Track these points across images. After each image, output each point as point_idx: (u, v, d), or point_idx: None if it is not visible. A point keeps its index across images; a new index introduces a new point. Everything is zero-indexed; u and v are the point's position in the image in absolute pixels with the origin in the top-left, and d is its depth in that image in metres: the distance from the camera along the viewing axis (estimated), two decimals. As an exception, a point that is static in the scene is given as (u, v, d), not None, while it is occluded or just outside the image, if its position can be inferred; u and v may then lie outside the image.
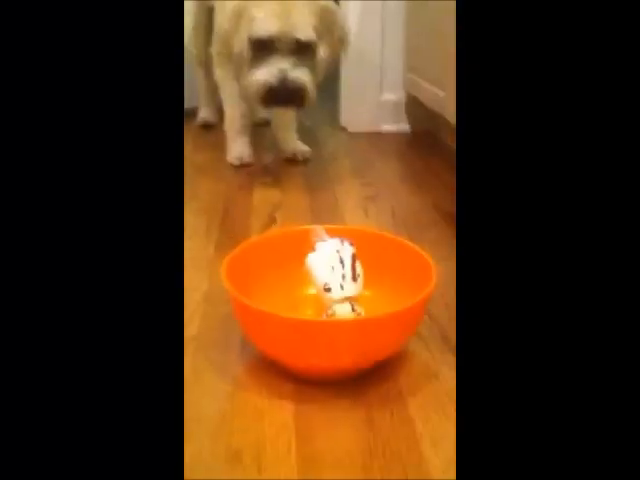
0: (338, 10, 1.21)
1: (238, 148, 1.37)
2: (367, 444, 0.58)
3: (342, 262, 0.67)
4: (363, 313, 0.68)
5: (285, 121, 1.42)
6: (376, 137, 1.66)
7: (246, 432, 0.60)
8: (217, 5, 1.29)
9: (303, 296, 0.76)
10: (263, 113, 1.59)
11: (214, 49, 1.32)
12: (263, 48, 1.12)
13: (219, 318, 0.78)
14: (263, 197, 1.21)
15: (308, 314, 0.74)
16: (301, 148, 1.43)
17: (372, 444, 0.59)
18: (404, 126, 1.71)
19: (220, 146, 1.43)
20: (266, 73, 1.11)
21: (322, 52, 1.16)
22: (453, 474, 0.54)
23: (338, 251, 0.67)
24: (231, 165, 1.37)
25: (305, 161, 1.42)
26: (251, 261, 0.75)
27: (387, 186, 1.31)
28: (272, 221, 1.10)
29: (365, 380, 0.67)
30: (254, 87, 1.13)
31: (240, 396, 0.66)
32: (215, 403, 0.65)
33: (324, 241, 0.69)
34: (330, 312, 0.68)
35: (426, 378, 0.68)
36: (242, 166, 1.37)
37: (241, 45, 1.14)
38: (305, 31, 1.11)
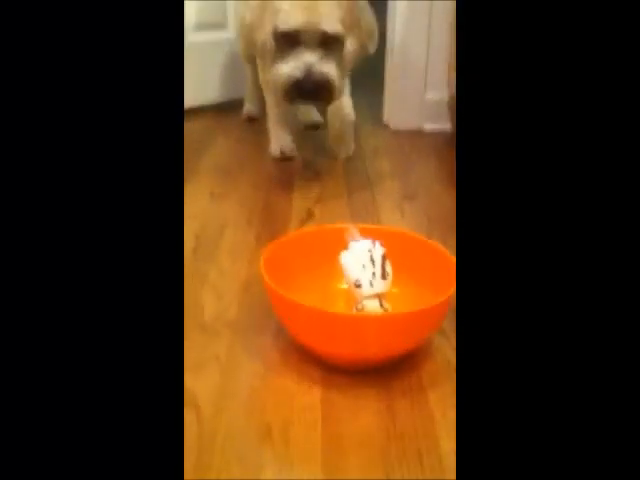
0: (366, 4, 1.18)
1: (280, 141, 1.37)
2: (386, 429, 0.64)
3: (373, 261, 0.72)
4: (390, 309, 0.73)
5: None
6: (418, 136, 1.69)
7: (276, 410, 0.66)
8: None
9: (336, 290, 0.81)
10: (313, 116, 1.63)
11: (240, 44, 1.32)
12: (288, 41, 1.09)
13: (257, 305, 0.84)
14: (303, 192, 1.27)
15: (339, 307, 0.79)
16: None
17: (391, 429, 0.64)
18: (446, 125, 1.73)
19: (264, 140, 1.49)
20: (292, 66, 1.08)
21: (349, 45, 1.12)
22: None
23: (370, 251, 0.72)
24: (273, 158, 1.40)
25: (347, 158, 1.46)
26: (288, 254, 0.80)
27: (425, 186, 1.34)
28: (310, 216, 1.15)
29: (390, 371, 0.72)
30: (279, 81, 1.10)
31: (272, 377, 0.72)
32: (249, 382, 0.71)
33: (357, 241, 0.74)
34: (360, 306, 0.73)
35: (447, 373, 0.73)
36: (284, 159, 1.39)
37: (265, 38, 1.11)
38: (332, 23, 1.07)
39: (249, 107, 1.72)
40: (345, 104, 1.39)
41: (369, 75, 1.83)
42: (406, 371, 0.73)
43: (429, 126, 1.73)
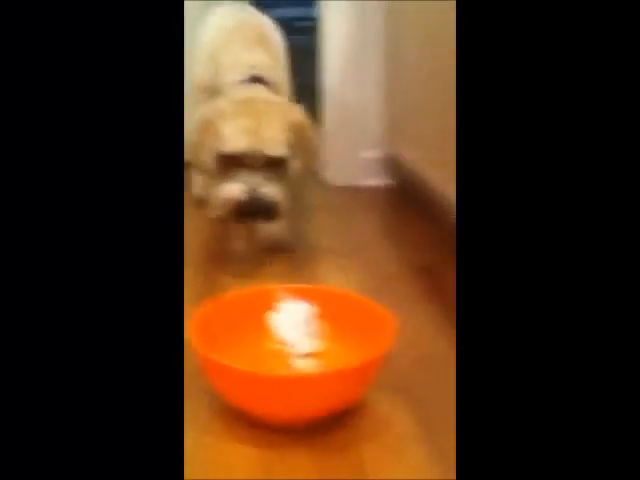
0: (310, 124, 1.19)
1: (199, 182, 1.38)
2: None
3: (305, 321, 0.74)
4: (322, 367, 0.75)
5: None
6: (356, 191, 1.75)
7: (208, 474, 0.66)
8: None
9: (268, 350, 0.82)
10: None
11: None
12: (232, 162, 1.09)
13: (188, 371, 0.84)
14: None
15: (270, 367, 0.80)
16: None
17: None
18: (381, 181, 1.80)
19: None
20: (235, 189, 1.07)
21: (293, 165, 1.12)
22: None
23: (300, 312, 0.75)
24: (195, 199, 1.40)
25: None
26: (218, 318, 0.81)
27: (364, 242, 1.38)
28: (249, 277, 1.16)
29: (325, 427, 0.73)
30: (223, 202, 1.09)
31: (205, 441, 0.72)
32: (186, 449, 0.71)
33: (288, 302, 0.76)
34: (293, 366, 0.75)
35: (384, 426, 0.74)
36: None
37: (209, 158, 1.11)
38: (276, 148, 1.07)
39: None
40: None
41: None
42: (341, 426, 0.74)
43: (366, 182, 1.79)
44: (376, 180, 1.80)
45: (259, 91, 1.16)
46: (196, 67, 1.37)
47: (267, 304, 0.79)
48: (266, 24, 1.39)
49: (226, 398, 0.75)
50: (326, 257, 1.29)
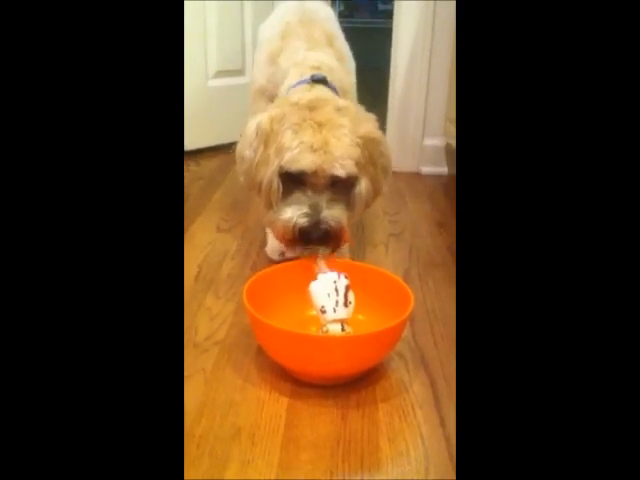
0: (383, 138, 1.03)
1: (274, 243, 1.17)
2: (338, 434, 0.75)
3: (337, 291, 0.84)
4: (351, 332, 0.85)
5: None
6: (416, 178, 1.82)
7: (247, 416, 0.78)
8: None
9: (309, 316, 0.93)
10: None
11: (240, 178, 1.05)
12: (293, 180, 0.96)
13: (244, 327, 0.97)
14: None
15: (311, 330, 0.91)
16: None
17: (342, 434, 0.75)
18: (442, 169, 1.86)
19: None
20: (297, 212, 0.94)
21: (362, 185, 0.98)
22: (400, 465, 0.70)
23: (335, 282, 0.85)
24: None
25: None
26: (269, 284, 0.93)
27: (413, 225, 1.46)
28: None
29: (349, 386, 0.83)
30: (284, 226, 0.96)
31: (248, 389, 0.84)
32: (228, 392, 0.83)
33: (324, 273, 0.86)
34: (324, 329, 0.85)
35: (399, 390, 0.84)
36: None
37: (270, 176, 0.95)
38: (344, 167, 0.93)
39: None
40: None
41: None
42: (362, 387, 0.84)
43: (426, 169, 1.85)
44: (437, 168, 1.86)
45: (324, 94, 1.01)
46: (255, 70, 1.26)
47: (311, 274, 0.89)
48: (332, 20, 1.26)
49: (268, 353, 0.87)
50: (376, 238, 1.38)
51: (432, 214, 1.57)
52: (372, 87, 1.77)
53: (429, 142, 1.85)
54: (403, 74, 1.81)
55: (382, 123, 1.88)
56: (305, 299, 0.89)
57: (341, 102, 1.00)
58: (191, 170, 1.83)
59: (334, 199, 0.96)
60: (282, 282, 0.95)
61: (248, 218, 1.45)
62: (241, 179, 1.03)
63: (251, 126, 0.98)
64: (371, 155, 0.98)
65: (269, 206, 0.99)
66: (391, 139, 1.87)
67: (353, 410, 0.80)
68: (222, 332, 0.97)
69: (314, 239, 0.95)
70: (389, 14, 2.08)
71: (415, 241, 1.37)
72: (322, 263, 0.88)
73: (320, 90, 1.02)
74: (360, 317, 0.89)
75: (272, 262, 1.19)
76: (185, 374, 0.86)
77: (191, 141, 1.92)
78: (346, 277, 0.86)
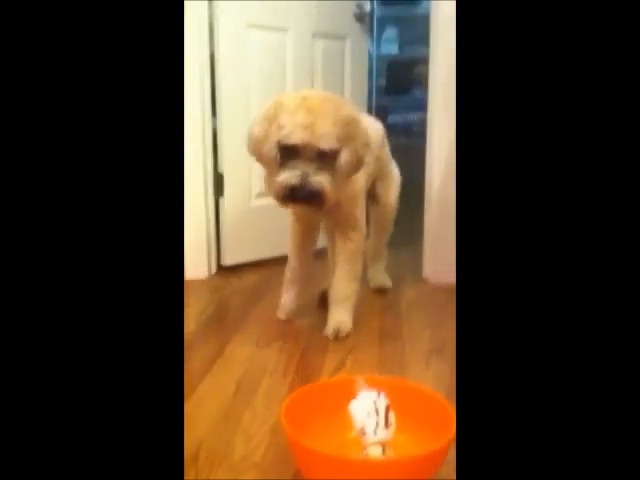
0: (360, 117, 1.34)
1: (283, 301, 1.55)
2: None
3: (377, 411, 0.82)
4: (392, 456, 0.81)
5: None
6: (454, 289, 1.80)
7: None
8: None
9: (349, 439, 0.90)
10: (384, 280, 1.79)
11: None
12: (289, 153, 1.24)
13: (281, 447, 0.94)
14: (338, 342, 1.39)
15: (351, 454, 0.87)
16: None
17: None
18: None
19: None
20: (290, 175, 1.23)
21: (343, 157, 1.26)
22: None
23: (374, 401, 0.82)
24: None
25: (382, 310, 1.58)
26: (307, 404, 0.91)
27: (453, 340, 1.43)
28: (342, 365, 1.26)
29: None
30: (278, 186, 1.25)
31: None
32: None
33: (365, 392, 0.84)
34: (365, 452, 0.82)
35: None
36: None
37: (270, 148, 1.26)
38: (328, 142, 1.22)
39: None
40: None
41: (408, 228, 2.01)
42: (407, 517, 0.79)
43: (465, 281, 1.84)
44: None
45: (314, 90, 1.32)
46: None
47: (351, 393, 0.87)
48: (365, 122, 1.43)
49: (307, 477, 0.83)
50: (418, 351, 1.35)
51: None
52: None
53: (467, 254, 1.85)
54: (437, 190, 1.85)
55: (419, 232, 1.91)
56: (344, 420, 0.87)
57: (328, 95, 1.32)
58: (232, 284, 1.87)
59: (321, 168, 1.24)
60: (320, 401, 0.93)
61: (285, 334, 1.45)
62: (250, 150, 1.32)
63: (260, 111, 1.30)
64: (351, 133, 1.27)
65: (271, 173, 1.29)
66: (429, 251, 1.88)
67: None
68: (259, 453, 0.95)
69: (301, 197, 1.24)
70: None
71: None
72: (361, 381, 0.86)
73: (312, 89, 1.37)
74: (401, 437, 0.86)
75: (310, 379, 1.17)
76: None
77: (232, 256, 1.98)
78: (385, 397, 0.84)
